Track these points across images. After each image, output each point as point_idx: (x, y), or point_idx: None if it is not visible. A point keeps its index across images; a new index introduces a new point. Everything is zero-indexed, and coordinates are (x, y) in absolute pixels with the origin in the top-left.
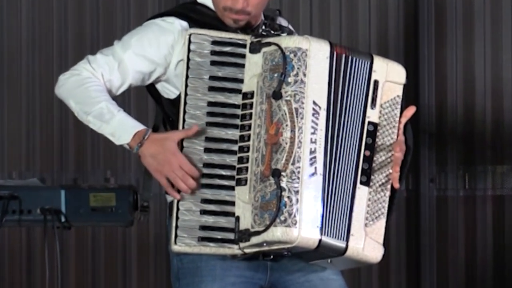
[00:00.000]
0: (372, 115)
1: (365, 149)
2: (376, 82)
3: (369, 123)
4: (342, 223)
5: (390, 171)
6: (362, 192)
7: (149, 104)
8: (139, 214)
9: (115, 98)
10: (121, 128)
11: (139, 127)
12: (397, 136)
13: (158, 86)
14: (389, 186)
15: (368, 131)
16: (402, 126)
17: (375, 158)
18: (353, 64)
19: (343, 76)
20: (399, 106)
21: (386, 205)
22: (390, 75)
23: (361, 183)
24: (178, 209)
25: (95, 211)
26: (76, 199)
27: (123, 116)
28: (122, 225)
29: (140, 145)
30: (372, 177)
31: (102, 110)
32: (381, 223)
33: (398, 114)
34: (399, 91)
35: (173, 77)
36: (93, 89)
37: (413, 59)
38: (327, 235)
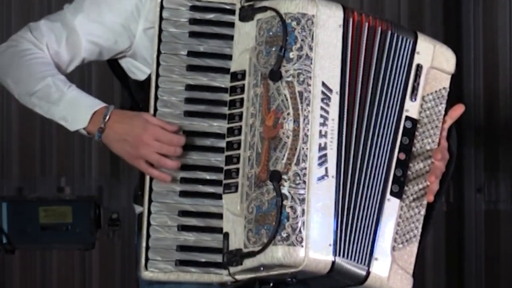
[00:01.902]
0: (412, 109)
1: (399, 151)
2: (419, 67)
3: (407, 118)
4: (364, 242)
5: (428, 183)
6: (392, 205)
7: (115, 85)
8: (106, 230)
9: (68, 77)
10: (74, 109)
11: (98, 105)
12: (439, 140)
13: (123, 64)
14: (425, 202)
15: (405, 128)
16: (446, 128)
17: (411, 165)
18: (385, 39)
19: (367, 52)
20: (444, 101)
21: (420, 226)
22: (436, 60)
23: (392, 193)
24: (149, 224)
25: (45, 229)
26: (21, 214)
27: (76, 94)
28: (80, 248)
29: (101, 129)
30: (406, 188)
31: (48, 89)
32: (413, 248)
33: (443, 112)
34: (446, 82)
35: (142, 50)
36: (35, 62)
37: (454, 32)
38: (343, 256)
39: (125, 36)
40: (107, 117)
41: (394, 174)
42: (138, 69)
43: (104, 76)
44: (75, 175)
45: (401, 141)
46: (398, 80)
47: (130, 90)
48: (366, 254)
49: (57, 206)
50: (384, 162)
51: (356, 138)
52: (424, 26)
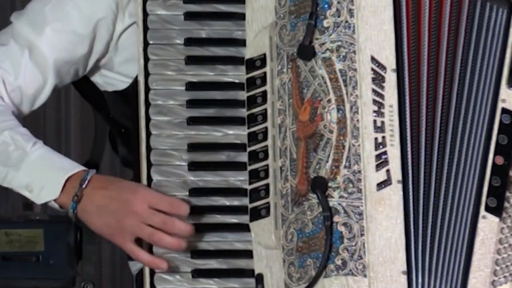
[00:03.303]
0: (509, 99)
1: (495, 153)
2: None
3: (504, 111)
4: (452, 273)
5: None
6: (488, 224)
7: None
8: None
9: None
10: (41, 174)
11: (73, 168)
12: None
13: (97, 79)
14: None
15: (501, 123)
16: None
17: None
18: (459, 5)
19: (436, 18)
20: None
21: None
22: None
23: (488, 209)
24: (153, 272)
25: (7, 261)
26: None
27: (43, 153)
28: (55, 286)
29: (77, 197)
30: (507, 204)
31: (5, 147)
32: None
33: None
34: None
35: (121, 57)
36: None
37: None
38: (422, 286)
39: (102, 42)
40: (86, 182)
41: (490, 184)
42: (117, 80)
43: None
44: None
45: (497, 141)
46: (489, 61)
47: (107, 110)
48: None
49: (23, 230)
50: (475, 167)
51: (428, 132)
52: None
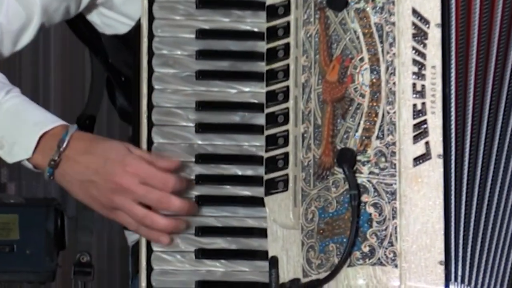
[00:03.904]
0: None
1: None
2: None
3: None
4: (497, 265)
5: None
6: None
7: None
8: (74, 277)
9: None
10: (13, 127)
11: (51, 122)
12: None
13: (94, 18)
14: None
15: None
16: None
17: None
18: None
19: None
20: None
21: None
22: None
23: None
24: (150, 250)
25: None
26: None
27: (17, 104)
28: (32, 280)
29: (54, 162)
30: None
31: None
32: None
33: None
34: None
35: None
36: None
37: None
38: (462, 283)
39: None
40: (65, 143)
41: None
42: (117, 21)
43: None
44: (23, 166)
45: None
46: None
47: (106, 55)
48: (502, 285)
49: None
50: None
51: (477, 99)
52: None
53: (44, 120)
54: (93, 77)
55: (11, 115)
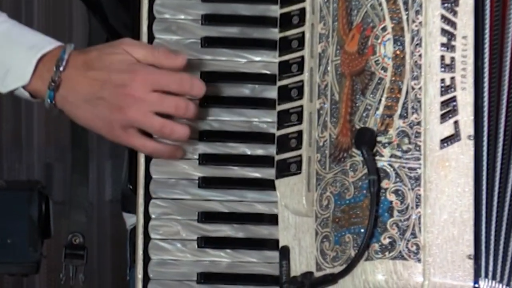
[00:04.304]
0: None
1: None
2: None
3: None
4: None
5: None
6: None
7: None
8: (65, 261)
9: None
10: (5, 54)
11: (47, 44)
12: None
13: None
14: None
15: None
16: None
17: None
18: None
19: None
20: None
21: None
22: None
23: None
24: (147, 238)
25: None
26: None
27: (7, 28)
28: (15, 272)
29: (54, 85)
30: None
31: None
32: None
33: None
34: None
35: None
36: None
37: None
38: (493, 279)
39: None
40: (64, 62)
41: None
42: None
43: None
44: (3, 144)
45: None
46: None
47: (104, 13)
48: None
49: None
50: None
51: None
52: None
53: (40, 42)
54: (91, 39)
55: (2, 40)
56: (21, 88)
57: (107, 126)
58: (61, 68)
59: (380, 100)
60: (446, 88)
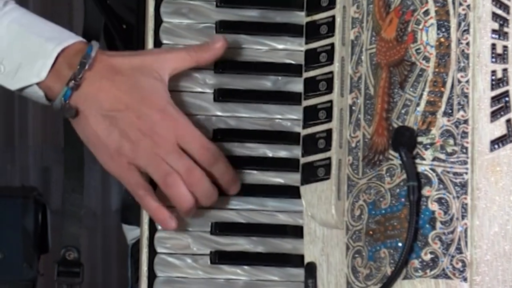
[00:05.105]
0: None
1: None
2: None
3: None
4: None
5: None
6: None
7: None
8: (58, 280)
9: None
10: (18, 46)
11: (69, 37)
12: None
13: None
14: None
15: None
16: None
17: None
18: None
19: None
20: None
21: None
22: None
23: None
24: (153, 252)
25: None
26: None
27: (20, 16)
28: None
29: (74, 83)
30: None
31: None
32: None
33: None
34: None
35: None
36: None
37: None
38: None
39: None
40: (91, 60)
41: None
42: None
43: None
44: None
45: None
46: None
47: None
48: None
49: None
50: None
51: None
52: None
53: (60, 35)
54: (86, 22)
55: (15, 31)
56: (35, 85)
57: (110, 151)
58: (86, 66)
59: (422, 94)
60: (497, 82)
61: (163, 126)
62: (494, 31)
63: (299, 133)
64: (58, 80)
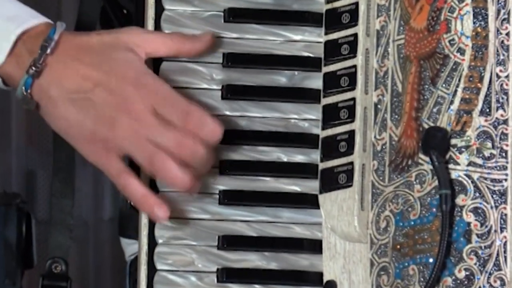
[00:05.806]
0: None
1: None
2: None
3: None
4: None
5: None
6: None
7: None
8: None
9: None
10: None
11: (31, 18)
12: None
13: None
14: None
15: None
16: None
17: None
18: None
19: None
20: None
21: None
22: None
23: None
24: (153, 269)
25: None
26: None
27: None
28: None
29: (35, 70)
30: None
31: None
32: None
33: None
34: None
35: None
36: None
37: None
38: None
39: None
40: (53, 43)
41: None
42: None
43: None
44: None
45: None
46: None
47: None
48: None
49: None
50: None
51: None
52: None
53: (22, 15)
54: (82, 7)
55: None
56: None
57: (86, 137)
58: (48, 51)
59: (456, 91)
60: None
61: (138, 97)
62: None
63: (317, 135)
64: (17, 67)
